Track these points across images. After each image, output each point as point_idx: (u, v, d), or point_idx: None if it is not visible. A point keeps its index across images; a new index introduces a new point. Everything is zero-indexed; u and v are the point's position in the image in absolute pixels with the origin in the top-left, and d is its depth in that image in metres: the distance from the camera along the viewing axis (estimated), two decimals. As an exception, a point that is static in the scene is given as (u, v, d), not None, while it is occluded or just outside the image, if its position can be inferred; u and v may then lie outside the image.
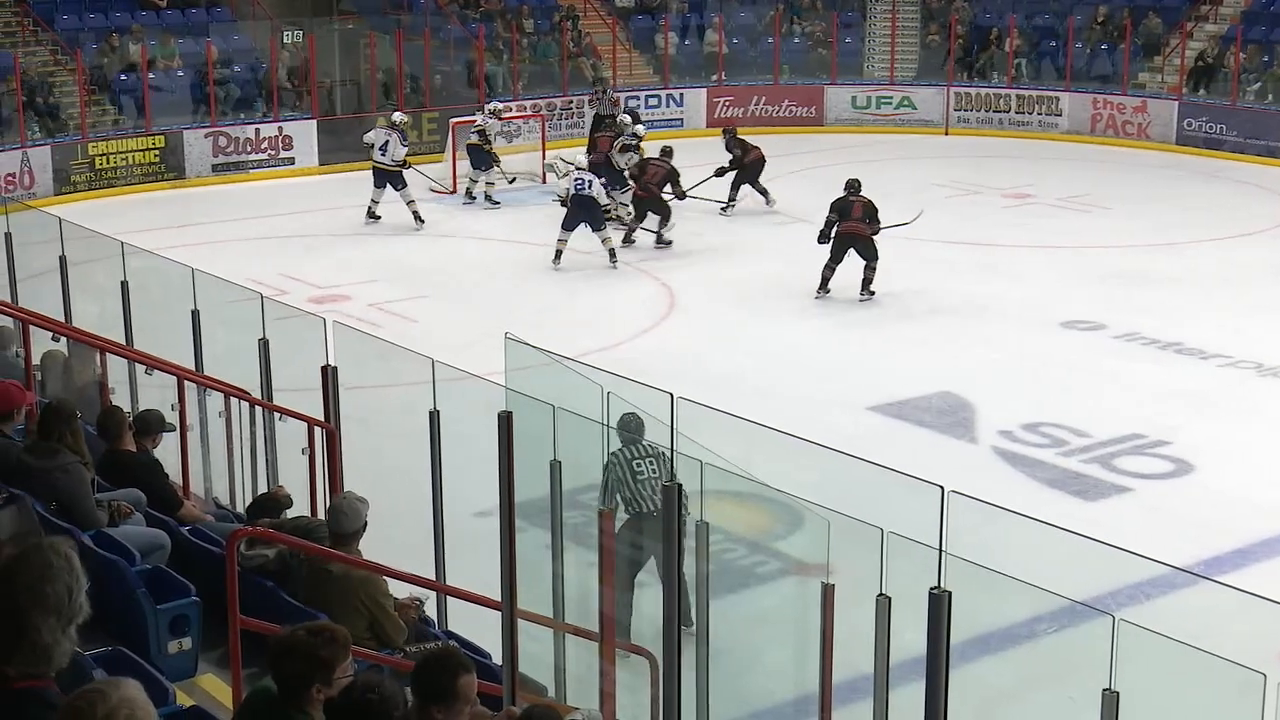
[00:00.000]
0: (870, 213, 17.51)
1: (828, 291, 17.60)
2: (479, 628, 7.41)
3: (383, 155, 21.57)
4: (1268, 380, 14.77)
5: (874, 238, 17.43)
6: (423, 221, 21.46)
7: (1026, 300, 17.51)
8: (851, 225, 17.40)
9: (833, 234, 17.50)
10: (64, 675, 3.62)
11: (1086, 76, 29.48)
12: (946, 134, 29.29)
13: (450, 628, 7.92)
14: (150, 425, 8.83)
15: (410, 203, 21.43)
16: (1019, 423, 13.47)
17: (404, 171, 21.66)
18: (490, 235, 21.25)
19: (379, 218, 21.60)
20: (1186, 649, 4.92)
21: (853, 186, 17.81)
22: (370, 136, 22.03)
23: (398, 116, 22.72)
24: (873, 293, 17.49)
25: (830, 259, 17.51)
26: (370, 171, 21.80)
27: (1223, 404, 14.26)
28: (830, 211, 17.63)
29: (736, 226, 21.56)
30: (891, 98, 29.81)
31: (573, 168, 19.84)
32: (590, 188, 19.17)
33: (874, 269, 17.42)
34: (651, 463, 8.38)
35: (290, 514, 8.36)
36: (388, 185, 21.51)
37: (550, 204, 21.60)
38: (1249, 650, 4.85)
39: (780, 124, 29.03)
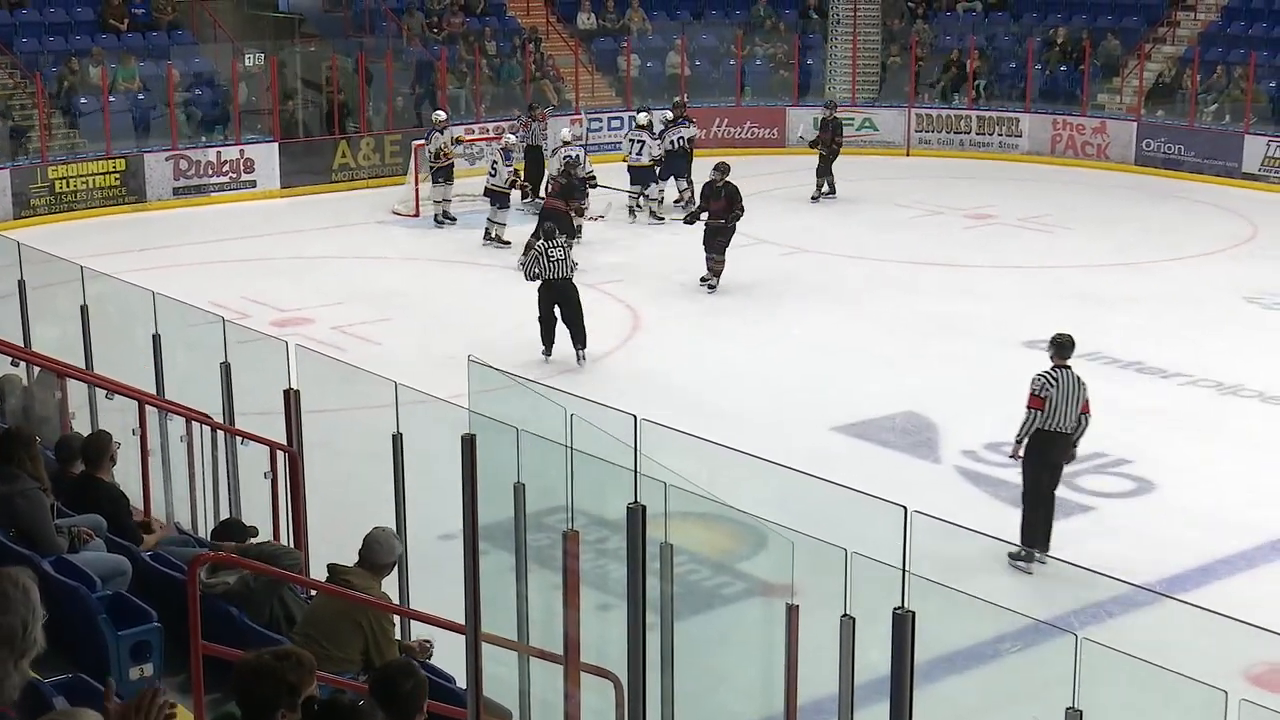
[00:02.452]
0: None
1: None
2: (443, 651, 7.39)
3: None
4: (1228, 399, 14.87)
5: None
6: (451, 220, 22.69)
7: (989, 320, 17.60)
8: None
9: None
10: (24, 703, 3.58)
11: (1046, 98, 29.69)
12: (908, 155, 29.43)
13: (412, 652, 7.89)
14: (102, 451, 8.72)
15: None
16: (982, 442, 13.52)
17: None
18: (454, 257, 21.23)
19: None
20: (1149, 667, 4.94)
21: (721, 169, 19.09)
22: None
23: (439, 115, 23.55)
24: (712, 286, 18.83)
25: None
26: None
27: (1184, 422, 14.35)
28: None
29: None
30: (853, 119, 29.90)
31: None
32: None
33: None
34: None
35: (254, 541, 8.31)
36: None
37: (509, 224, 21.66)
38: (1211, 668, 4.87)
39: (742, 145, 29.13)
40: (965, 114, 29.62)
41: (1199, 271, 20.25)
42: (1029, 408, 11.29)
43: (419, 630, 8.07)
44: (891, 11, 32.50)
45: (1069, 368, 11.35)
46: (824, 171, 24.71)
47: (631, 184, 23.46)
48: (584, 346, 15.74)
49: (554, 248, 15.70)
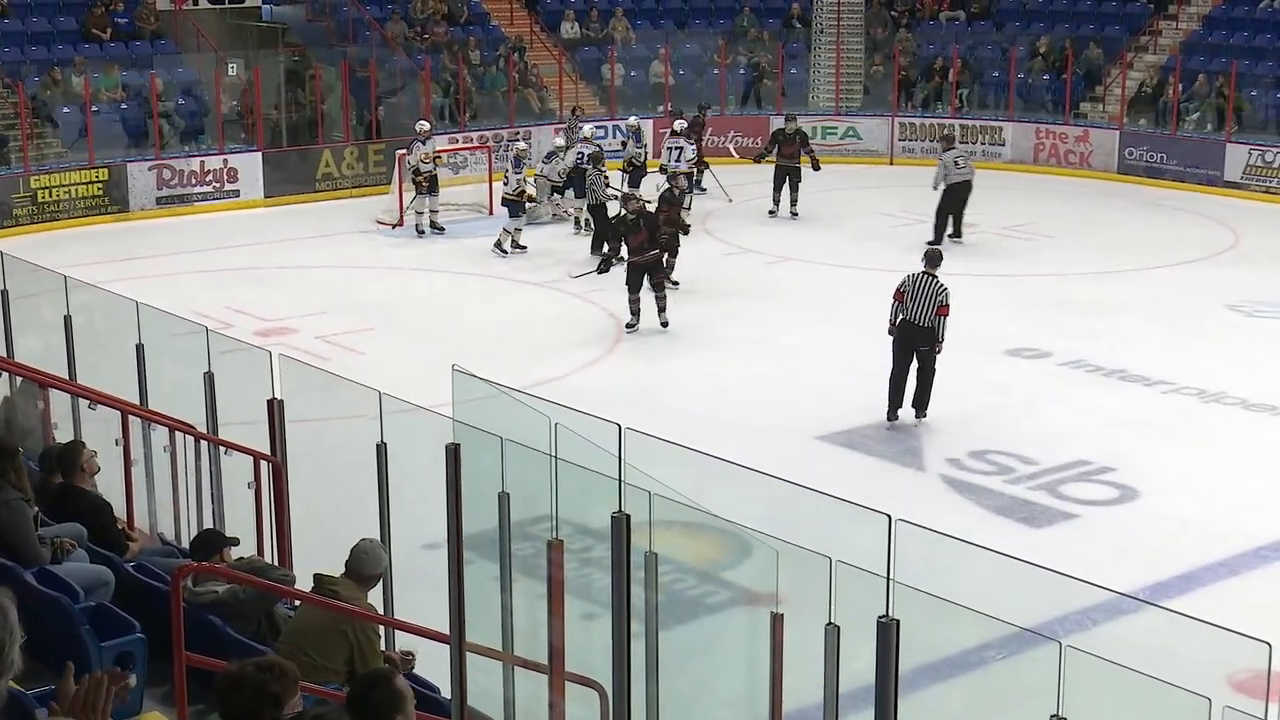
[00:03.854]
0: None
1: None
2: (428, 661, 7.38)
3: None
4: (1210, 406, 14.91)
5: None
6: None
7: (972, 328, 17.58)
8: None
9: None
10: (7, 714, 3.56)
11: (1029, 106, 29.77)
12: (891, 163, 29.49)
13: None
14: (74, 460, 8.69)
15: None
16: (966, 450, 13.54)
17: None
18: (438, 267, 21.22)
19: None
20: (1133, 675, 4.95)
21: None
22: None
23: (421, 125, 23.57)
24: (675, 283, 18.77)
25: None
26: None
27: (1167, 430, 14.39)
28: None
29: (683, 257, 21.59)
30: (837, 128, 29.98)
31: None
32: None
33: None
34: None
35: (237, 552, 8.30)
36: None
37: (494, 234, 21.68)
38: (1194, 675, 4.88)
39: (726, 154, 29.14)
40: (948, 123, 29.67)
41: (1181, 279, 20.31)
42: (892, 299, 14.35)
43: (404, 640, 8.06)
44: (875, 21, 32.57)
45: (933, 276, 14.17)
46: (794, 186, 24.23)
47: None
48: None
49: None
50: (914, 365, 14.23)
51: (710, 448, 7.61)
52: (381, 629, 7.48)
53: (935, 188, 22.21)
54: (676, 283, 18.92)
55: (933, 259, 14.59)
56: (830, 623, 5.55)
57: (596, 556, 6.72)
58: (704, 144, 25.67)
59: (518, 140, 23.92)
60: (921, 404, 14.35)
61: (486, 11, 31.55)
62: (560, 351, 16.70)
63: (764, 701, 6.16)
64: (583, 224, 22.72)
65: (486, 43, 30.45)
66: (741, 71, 31.54)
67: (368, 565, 7.36)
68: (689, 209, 22.99)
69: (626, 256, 17.59)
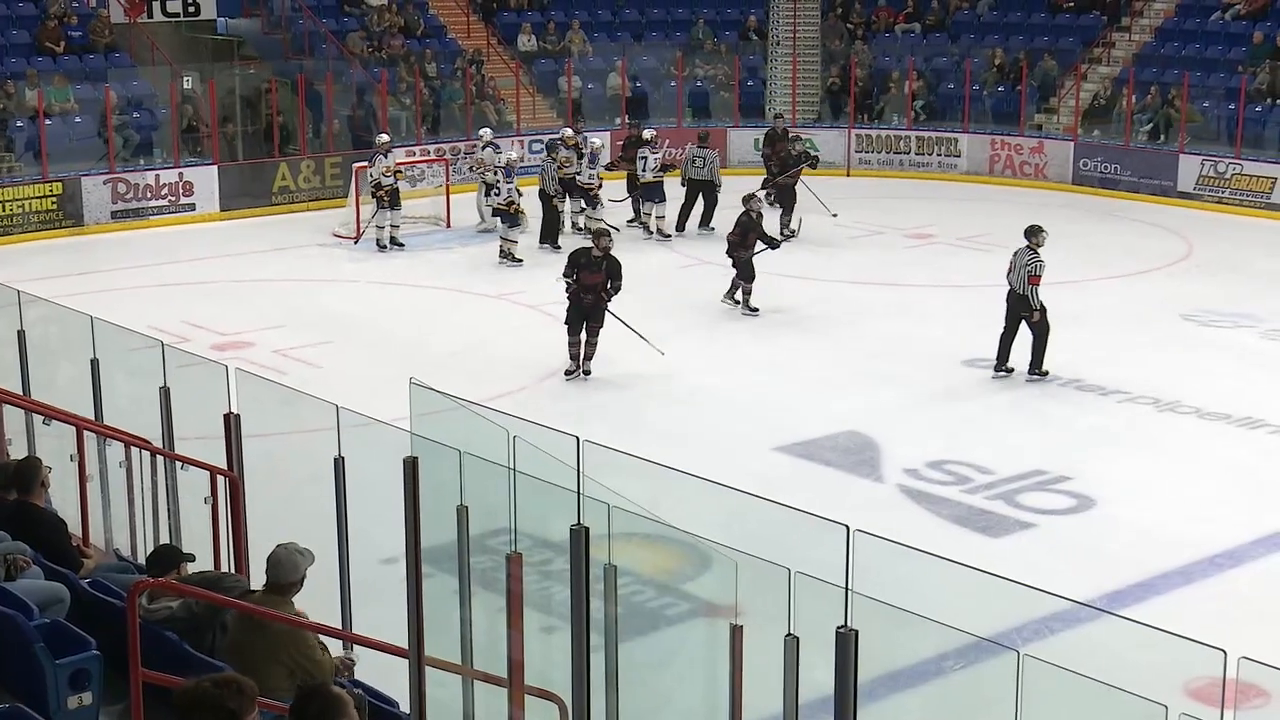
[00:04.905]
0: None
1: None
2: (386, 676, 7.34)
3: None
4: (1165, 415, 15.01)
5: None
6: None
7: (930, 339, 17.70)
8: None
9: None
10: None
11: (984, 118, 29.93)
12: (848, 175, 29.59)
13: (357, 677, 7.83)
14: (32, 477, 8.62)
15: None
16: (924, 461, 13.59)
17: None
18: (395, 280, 21.17)
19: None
20: (1090, 683, 4.97)
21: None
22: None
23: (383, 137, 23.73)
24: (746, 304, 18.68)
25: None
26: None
27: (1122, 439, 14.48)
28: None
29: (641, 270, 21.60)
30: (795, 139, 30.03)
31: None
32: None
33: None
34: None
35: (194, 567, 8.25)
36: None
37: (450, 246, 21.64)
38: (1151, 683, 4.91)
39: (675, 168, 29.17)
40: (904, 134, 29.83)
41: (1136, 289, 20.46)
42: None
43: (358, 655, 8.01)
44: (831, 33, 32.70)
45: (1030, 248, 15.83)
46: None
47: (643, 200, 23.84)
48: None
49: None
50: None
51: (669, 459, 7.62)
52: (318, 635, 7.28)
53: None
54: (756, 309, 18.67)
55: (1030, 232, 15.87)
56: (789, 634, 5.56)
57: (556, 569, 6.72)
58: (785, 158, 24.86)
59: (510, 150, 23.84)
60: (1033, 364, 15.93)
61: (443, 24, 31.52)
62: (519, 364, 16.67)
63: (724, 713, 6.15)
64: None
65: (443, 55, 30.42)
66: (698, 84, 31.60)
67: (285, 573, 7.10)
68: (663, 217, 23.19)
69: (572, 291, 16.08)
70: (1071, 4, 31.44)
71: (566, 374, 16.05)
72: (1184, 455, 14.08)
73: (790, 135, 25.71)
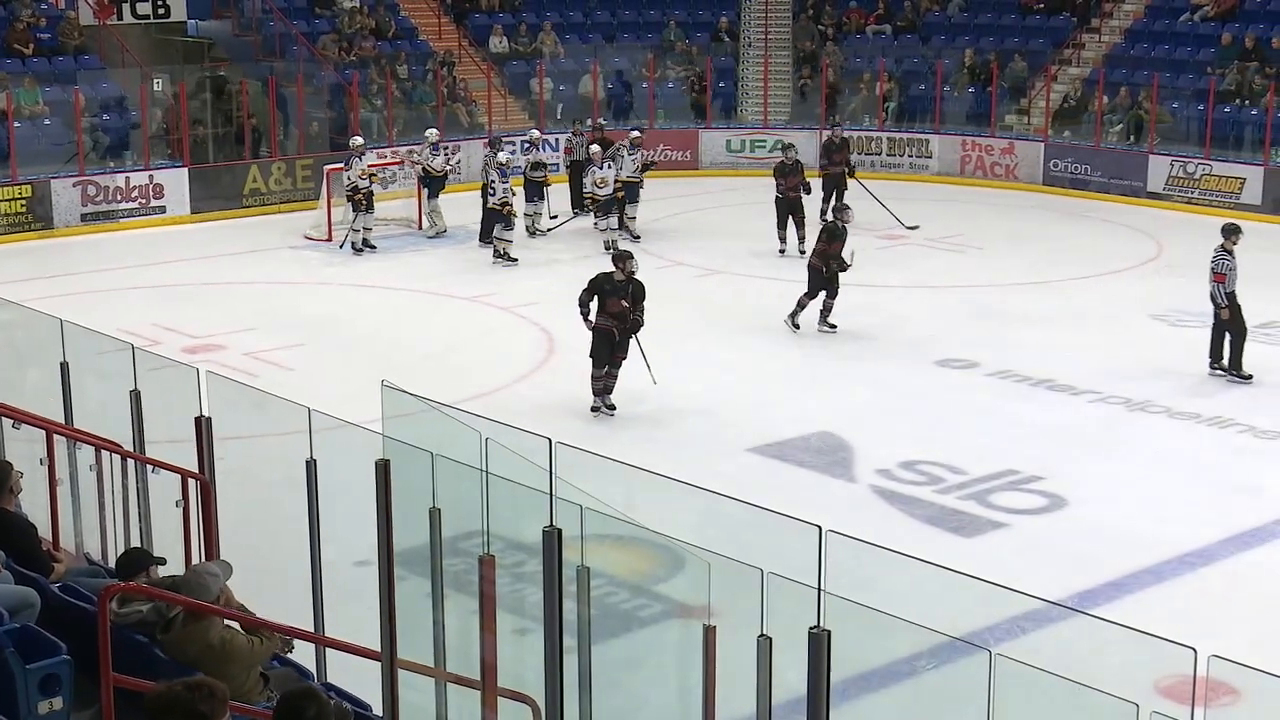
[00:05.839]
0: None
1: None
2: (359, 679, 7.32)
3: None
4: (1136, 415, 15.08)
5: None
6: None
7: (902, 339, 17.74)
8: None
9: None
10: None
11: (955, 119, 30.01)
12: (820, 176, 29.57)
13: (330, 680, 7.82)
14: (1, 481, 8.57)
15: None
16: (896, 461, 13.62)
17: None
18: (367, 282, 21.13)
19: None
20: (1062, 682, 4.99)
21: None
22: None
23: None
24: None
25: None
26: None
27: (1093, 439, 14.53)
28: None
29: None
30: (765, 141, 30.10)
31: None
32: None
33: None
34: None
35: (164, 571, 8.21)
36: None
37: (422, 249, 21.61)
38: (1122, 681, 4.93)
39: (655, 167, 29.17)
40: (876, 135, 29.90)
41: (1107, 290, 20.54)
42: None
43: (331, 658, 7.99)
44: (803, 34, 32.75)
45: (1222, 247, 15.90)
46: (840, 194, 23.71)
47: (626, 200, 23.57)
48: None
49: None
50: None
51: (642, 461, 7.63)
52: (246, 643, 7.13)
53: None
54: (834, 326, 17.96)
55: (1226, 231, 16.06)
56: (762, 634, 5.57)
57: (529, 571, 6.72)
58: (852, 162, 24.78)
59: (501, 150, 23.82)
60: (1232, 364, 16.03)
61: (415, 26, 31.46)
62: (491, 367, 16.66)
63: (697, 714, 6.16)
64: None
65: (415, 57, 30.36)
66: (670, 85, 31.62)
67: (194, 594, 6.98)
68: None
69: (594, 322, 14.83)
70: (1042, 5, 31.56)
71: (593, 410, 14.83)
72: (1155, 455, 14.14)
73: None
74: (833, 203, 22.58)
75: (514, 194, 22.10)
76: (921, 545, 11.03)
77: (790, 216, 22.38)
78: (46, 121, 25.50)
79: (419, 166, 23.74)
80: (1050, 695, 5.12)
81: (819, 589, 5.23)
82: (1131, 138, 27.96)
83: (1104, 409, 15.29)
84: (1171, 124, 28.06)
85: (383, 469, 6.09)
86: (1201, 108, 27.18)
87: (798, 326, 17.97)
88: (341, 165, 23.31)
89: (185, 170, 25.42)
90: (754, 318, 18.87)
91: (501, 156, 22.76)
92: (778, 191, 22.46)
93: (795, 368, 16.80)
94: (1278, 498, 12.98)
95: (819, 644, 5.31)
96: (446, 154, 24.24)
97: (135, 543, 9.67)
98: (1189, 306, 19.14)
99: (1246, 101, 27.21)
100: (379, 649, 6.37)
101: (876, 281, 20.73)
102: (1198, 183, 26.21)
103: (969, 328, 18.16)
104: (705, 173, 29.70)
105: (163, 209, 25.04)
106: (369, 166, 23.30)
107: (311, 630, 8.20)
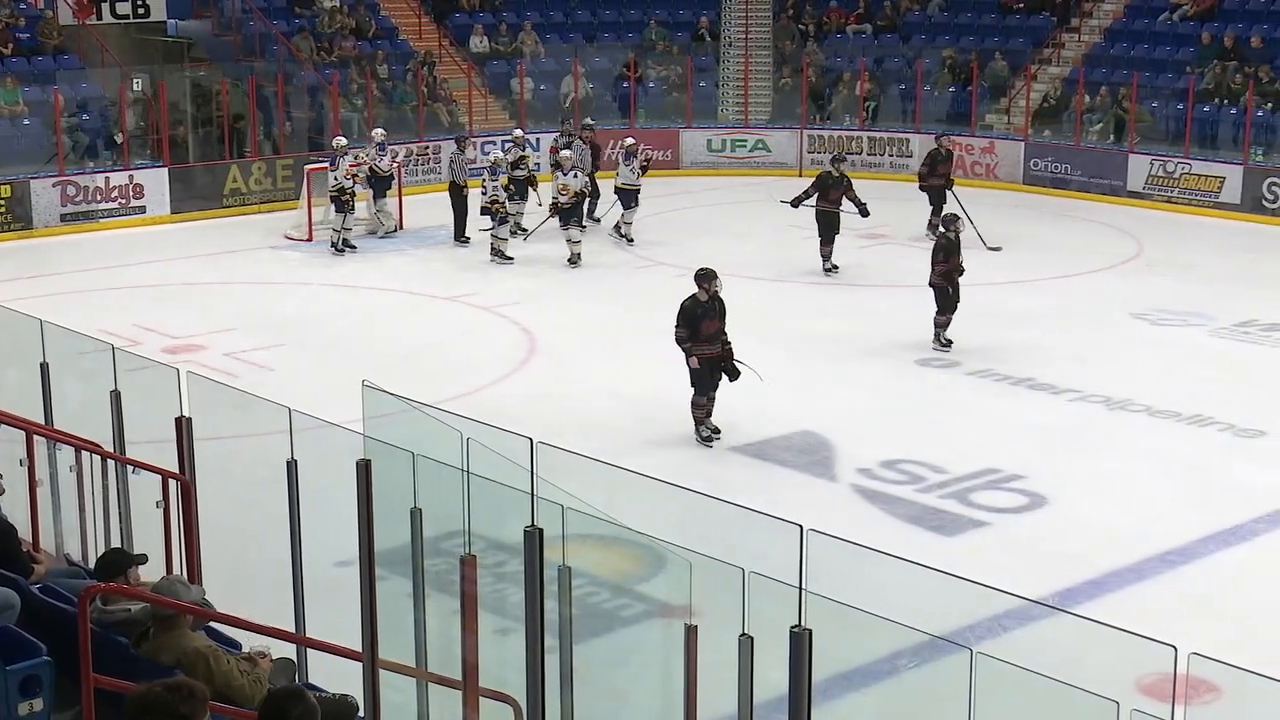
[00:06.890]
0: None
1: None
2: (341, 679, 7.31)
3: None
4: (1116, 414, 15.11)
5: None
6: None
7: (883, 339, 17.76)
8: None
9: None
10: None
11: (936, 118, 30.05)
12: (800, 175, 29.54)
13: (311, 680, 7.80)
14: None
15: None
16: (878, 460, 13.64)
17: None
18: (348, 282, 21.09)
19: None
20: (1043, 680, 5.00)
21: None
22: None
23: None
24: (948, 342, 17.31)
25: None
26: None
27: (1074, 438, 14.56)
28: None
29: (597, 271, 21.63)
30: (746, 140, 30.14)
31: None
32: None
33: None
34: None
35: (146, 572, 8.18)
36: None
37: (402, 249, 21.57)
38: (1103, 679, 4.94)
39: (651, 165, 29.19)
40: (856, 134, 29.94)
41: (1087, 289, 20.58)
42: None
43: (255, 641, 7.88)
44: (783, 34, 32.78)
45: None
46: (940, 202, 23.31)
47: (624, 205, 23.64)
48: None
49: None
50: None
51: (623, 461, 7.62)
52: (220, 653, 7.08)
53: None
54: (950, 342, 17.29)
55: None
56: (744, 633, 5.57)
57: (510, 571, 6.72)
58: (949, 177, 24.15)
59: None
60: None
61: (395, 26, 31.42)
62: (472, 366, 16.65)
63: (679, 713, 6.16)
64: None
65: (395, 57, 30.33)
66: (651, 85, 31.63)
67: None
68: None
69: (693, 348, 14.04)
70: (1021, 5, 31.63)
71: (704, 440, 14.06)
72: (1135, 453, 14.17)
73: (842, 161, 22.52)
74: (939, 216, 21.21)
75: (505, 192, 22.11)
76: (903, 544, 11.05)
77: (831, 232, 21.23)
78: (25, 121, 25.41)
79: (365, 166, 23.61)
80: (1031, 693, 5.13)
81: (800, 588, 5.24)
82: (1111, 137, 28.05)
83: (1084, 407, 15.33)
84: (1151, 123, 28.14)
85: (364, 469, 6.09)
86: (1181, 107, 27.28)
87: (949, 343, 17.30)
88: (325, 165, 23.29)
89: (165, 170, 25.35)
90: (734, 316, 18.83)
91: (496, 154, 22.81)
92: (818, 204, 21.20)
93: (776, 366, 16.79)
94: (1257, 496, 13.02)
95: (800, 643, 5.31)
96: (394, 154, 24.17)
97: (116, 543, 9.65)
98: (1169, 305, 19.23)
99: (1226, 101, 27.30)
100: (360, 649, 6.36)
101: (858, 281, 20.76)
102: (1177, 182, 26.28)
103: (950, 327, 18.16)
104: (686, 172, 29.71)
105: (143, 209, 24.97)
106: (350, 166, 23.26)
107: (292, 631, 8.18)
